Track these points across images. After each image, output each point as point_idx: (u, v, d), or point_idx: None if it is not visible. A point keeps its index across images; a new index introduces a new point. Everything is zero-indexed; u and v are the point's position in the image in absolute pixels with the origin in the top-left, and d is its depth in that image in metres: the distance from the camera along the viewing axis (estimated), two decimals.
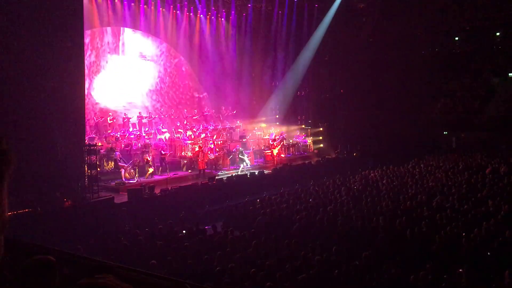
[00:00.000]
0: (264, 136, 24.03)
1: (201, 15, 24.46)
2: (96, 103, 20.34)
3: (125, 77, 21.72)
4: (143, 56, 22.77)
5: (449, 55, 29.20)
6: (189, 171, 18.83)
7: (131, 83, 22.00)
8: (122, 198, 14.89)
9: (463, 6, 27.63)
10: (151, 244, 9.73)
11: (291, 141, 24.75)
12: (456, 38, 29.68)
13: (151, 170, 17.25)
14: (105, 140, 18.22)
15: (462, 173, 17.40)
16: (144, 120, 20.78)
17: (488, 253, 8.67)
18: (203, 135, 20.55)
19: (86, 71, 17.44)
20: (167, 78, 23.89)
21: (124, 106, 21.38)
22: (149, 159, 17.33)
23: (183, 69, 24.70)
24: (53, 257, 2.31)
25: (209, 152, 19.27)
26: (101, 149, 16.68)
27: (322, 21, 26.75)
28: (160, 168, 17.88)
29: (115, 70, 21.42)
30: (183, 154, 19.78)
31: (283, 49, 27.30)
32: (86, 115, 15.62)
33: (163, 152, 17.90)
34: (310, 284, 7.30)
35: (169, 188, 15.80)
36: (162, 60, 23.65)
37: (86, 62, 18.10)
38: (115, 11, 20.90)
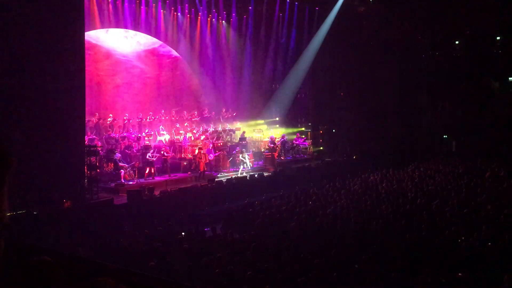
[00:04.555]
0: (264, 138, 24.03)
1: (202, 17, 24.49)
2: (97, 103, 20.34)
3: (125, 78, 21.72)
4: (143, 57, 22.77)
5: (449, 59, 29.22)
6: (189, 172, 18.82)
7: (131, 83, 22.00)
8: (121, 199, 14.88)
9: (463, 10, 27.66)
10: (150, 246, 9.72)
11: (291, 143, 24.74)
12: (457, 42, 29.71)
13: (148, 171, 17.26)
14: (105, 141, 18.21)
15: (462, 177, 17.39)
16: (144, 122, 20.80)
17: (487, 257, 8.66)
18: (203, 137, 20.55)
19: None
20: (167, 79, 23.89)
21: (124, 107, 21.37)
22: (149, 160, 17.32)
23: (184, 70, 24.70)
24: (50, 259, 2.31)
25: (209, 154, 19.28)
26: (101, 150, 16.68)
27: (322, 24, 26.80)
28: (161, 169, 17.88)
29: (114, 69, 21.43)
30: (183, 156, 19.78)
31: (283, 51, 27.34)
32: (86, 116, 15.61)
33: (165, 154, 17.89)
34: (309, 287, 7.29)
35: (169, 190, 15.79)
36: (162, 62, 23.65)
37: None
38: (116, 12, 20.93)
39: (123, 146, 18.21)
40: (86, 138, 16.03)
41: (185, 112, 23.31)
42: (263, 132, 24.85)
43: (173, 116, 22.47)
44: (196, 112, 23.80)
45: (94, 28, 20.10)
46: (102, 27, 20.60)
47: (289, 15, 26.52)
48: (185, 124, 22.25)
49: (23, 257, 2.32)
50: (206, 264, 8.22)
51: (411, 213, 12.18)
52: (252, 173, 19.40)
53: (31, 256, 2.31)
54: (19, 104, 12.44)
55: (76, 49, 14.04)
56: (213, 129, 22.11)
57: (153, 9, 22.45)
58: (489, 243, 9.15)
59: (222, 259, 8.49)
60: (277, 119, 27.35)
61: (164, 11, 22.90)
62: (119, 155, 16.88)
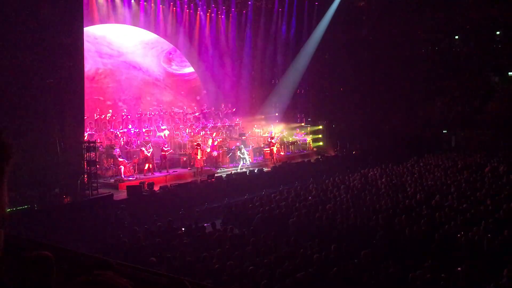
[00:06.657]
0: (263, 134, 24.02)
1: (201, 12, 24.43)
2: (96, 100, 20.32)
3: (123, 74, 21.69)
4: (143, 52, 22.72)
5: (449, 53, 29.16)
6: (189, 168, 18.82)
7: (130, 80, 21.97)
8: (121, 195, 14.91)
9: (463, 5, 27.59)
10: (150, 241, 9.74)
11: (290, 139, 24.73)
12: (456, 37, 29.65)
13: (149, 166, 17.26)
14: (105, 137, 18.21)
15: (461, 172, 17.40)
16: (143, 117, 20.77)
17: (487, 252, 8.68)
18: (202, 133, 20.54)
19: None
20: (166, 75, 23.86)
21: (124, 103, 21.35)
22: (148, 155, 17.31)
23: (183, 66, 24.65)
24: (50, 253, 2.31)
25: (208, 150, 19.27)
26: (101, 146, 16.67)
27: (322, 19, 26.72)
28: (160, 165, 17.88)
29: (113, 67, 21.41)
30: (182, 151, 19.77)
31: (283, 46, 27.27)
32: (85, 112, 15.59)
33: (164, 149, 17.87)
34: (308, 282, 7.31)
35: (169, 185, 15.81)
36: (161, 57, 23.60)
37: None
38: (115, 8, 20.88)
39: (122, 142, 18.19)
40: (86, 133, 16.03)
41: (184, 107, 23.28)
42: (262, 127, 24.82)
43: (172, 111, 22.43)
44: (195, 107, 23.78)
45: (93, 24, 20.04)
46: (101, 22, 20.56)
47: (289, 10, 26.44)
48: (184, 120, 22.22)
49: (23, 252, 2.32)
50: (205, 259, 8.24)
51: (411, 208, 12.20)
52: (252, 169, 19.41)
53: (31, 251, 2.32)
54: (18, 100, 12.41)
55: (76, 44, 14.00)
56: (212, 125, 22.09)
57: (152, 4, 22.39)
58: (488, 238, 9.16)
59: (222, 254, 8.50)
60: (277, 114, 27.33)
61: (163, 6, 22.84)
62: (119, 150, 16.88)
